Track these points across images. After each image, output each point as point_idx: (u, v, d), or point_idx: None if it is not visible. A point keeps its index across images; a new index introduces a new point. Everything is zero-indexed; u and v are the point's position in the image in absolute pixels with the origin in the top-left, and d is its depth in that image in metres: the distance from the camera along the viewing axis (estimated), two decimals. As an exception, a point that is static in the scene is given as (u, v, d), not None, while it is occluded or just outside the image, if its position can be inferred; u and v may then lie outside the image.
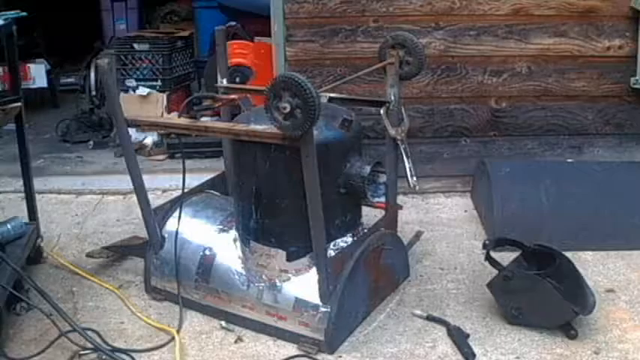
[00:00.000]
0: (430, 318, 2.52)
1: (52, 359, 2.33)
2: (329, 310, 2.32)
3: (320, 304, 2.33)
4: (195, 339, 2.45)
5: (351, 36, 3.55)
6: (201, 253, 2.59)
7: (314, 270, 2.34)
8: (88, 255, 2.98)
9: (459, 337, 2.38)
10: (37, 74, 5.19)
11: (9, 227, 2.73)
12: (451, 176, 3.67)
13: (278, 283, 2.43)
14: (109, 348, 2.35)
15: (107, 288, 2.77)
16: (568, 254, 2.57)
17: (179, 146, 3.91)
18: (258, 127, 2.24)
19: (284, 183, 2.33)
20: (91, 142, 4.70)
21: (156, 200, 3.12)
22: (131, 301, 2.68)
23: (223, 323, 2.51)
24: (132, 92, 4.60)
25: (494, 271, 2.55)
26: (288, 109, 2.03)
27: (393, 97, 2.61)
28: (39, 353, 2.34)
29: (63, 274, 2.89)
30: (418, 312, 2.55)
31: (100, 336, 2.42)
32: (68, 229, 3.34)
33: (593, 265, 2.88)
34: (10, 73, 2.97)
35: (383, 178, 2.53)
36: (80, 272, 2.87)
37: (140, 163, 2.67)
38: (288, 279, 2.42)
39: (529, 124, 3.64)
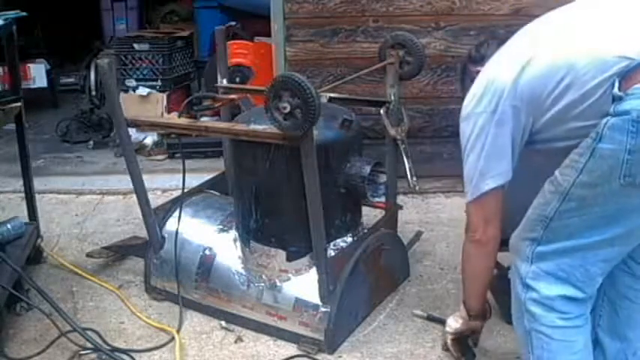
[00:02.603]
0: (430, 318, 2.52)
1: (52, 359, 2.33)
2: (329, 310, 2.32)
3: (320, 304, 2.33)
4: (195, 339, 2.45)
5: (351, 36, 3.55)
6: (201, 253, 2.59)
7: (314, 270, 2.34)
8: (88, 255, 2.98)
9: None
10: (37, 74, 5.19)
11: (9, 227, 2.73)
12: (451, 176, 3.66)
13: (278, 283, 2.43)
14: (109, 348, 2.36)
15: (107, 288, 2.77)
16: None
17: (179, 146, 3.91)
18: (258, 127, 2.24)
19: (284, 183, 2.33)
20: (91, 142, 4.70)
21: (156, 200, 3.12)
22: (131, 301, 2.68)
23: (223, 323, 2.51)
24: (132, 92, 4.60)
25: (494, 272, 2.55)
26: (288, 109, 2.03)
27: (393, 97, 2.61)
28: (39, 353, 2.34)
29: (63, 274, 2.89)
30: (418, 312, 2.55)
31: (100, 336, 2.42)
32: (68, 229, 3.35)
33: (593, 265, 2.88)
34: (10, 73, 2.97)
35: (383, 178, 2.53)
36: (80, 272, 2.87)
37: (140, 163, 2.67)
38: (288, 279, 2.42)
39: (529, 124, 3.64)
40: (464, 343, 2.25)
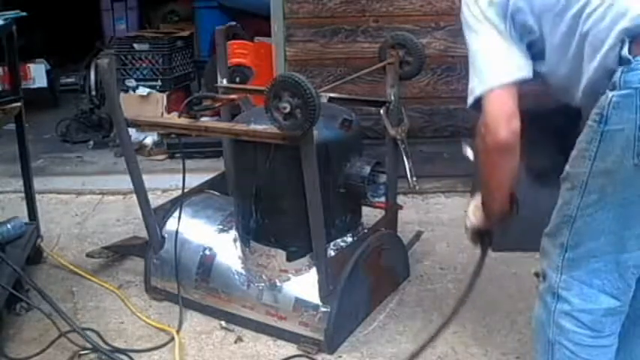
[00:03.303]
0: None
1: (52, 359, 2.33)
2: (329, 310, 2.32)
3: (320, 304, 2.33)
4: (195, 339, 2.45)
5: (351, 36, 3.55)
6: (201, 253, 2.59)
7: (314, 270, 2.34)
8: (88, 255, 2.98)
9: None
10: (37, 74, 5.19)
11: (9, 227, 2.73)
12: (451, 176, 3.67)
13: (278, 283, 2.43)
14: (108, 348, 2.36)
15: (107, 288, 2.77)
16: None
17: (179, 146, 3.90)
18: (258, 127, 2.24)
19: (284, 183, 2.33)
20: (91, 142, 4.69)
21: (156, 200, 3.12)
22: (131, 301, 2.68)
23: (223, 323, 2.51)
24: (132, 92, 4.60)
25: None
26: (288, 109, 2.03)
27: (393, 97, 2.61)
28: (39, 353, 2.34)
29: (63, 274, 2.89)
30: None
31: (100, 336, 2.42)
32: (68, 229, 3.35)
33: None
34: (10, 73, 2.97)
35: (383, 178, 2.53)
36: (80, 272, 2.87)
37: (140, 163, 2.67)
38: (288, 279, 2.42)
39: (529, 124, 3.64)
40: (486, 235, 2.06)
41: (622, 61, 1.48)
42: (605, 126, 1.51)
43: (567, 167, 1.66)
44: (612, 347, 1.71)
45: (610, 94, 1.50)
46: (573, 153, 1.64)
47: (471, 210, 2.02)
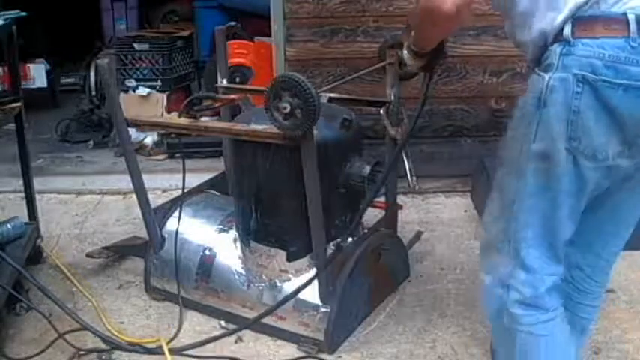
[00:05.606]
0: None
1: (52, 359, 2.33)
2: (329, 310, 2.32)
3: (320, 304, 2.33)
4: (195, 339, 2.45)
5: (351, 36, 3.55)
6: (201, 253, 2.59)
7: (314, 270, 2.33)
8: (88, 255, 2.98)
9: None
10: (37, 74, 5.19)
11: (9, 227, 2.73)
12: (451, 176, 3.67)
13: (278, 283, 2.43)
14: (108, 348, 2.36)
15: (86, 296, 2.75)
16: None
17: (179, 146, 3.91)
18: (258, 127, 2.24)
19: (284, 183, 2.33)
20: (91, 142, 4.69)
21: (156, 200, 3.12)
22: (131, 301, 2.68)
23: (223, 323, 2.51)
24: (132, 92, 4.60)
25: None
26: (288, 109, 2.03)
27: (393, 97, 2.60)
28: (39, 353, 2.34)
29: (63, 274, 2.89)
30: None
31: (100, 336, 2.42)
32: (68, 229, 3.34)
33: (593, 265, 2.88)
34: (10, 73, 2.96)
35: (383, 178, 2.53)
36: (71, 278, 2.83)
37: (140, 163, 2.67)
38: (288, 279, 2.42)
39: (529, 124, 3.64)
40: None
41: (563, 42, 1.47)
42: (544, 109, 1.50)
43: (504, 153, 1.67)
44: (561, 317, 1.75)
45: (546, 76, 1.49)
46: (511, 136, 1.64)
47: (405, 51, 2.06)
